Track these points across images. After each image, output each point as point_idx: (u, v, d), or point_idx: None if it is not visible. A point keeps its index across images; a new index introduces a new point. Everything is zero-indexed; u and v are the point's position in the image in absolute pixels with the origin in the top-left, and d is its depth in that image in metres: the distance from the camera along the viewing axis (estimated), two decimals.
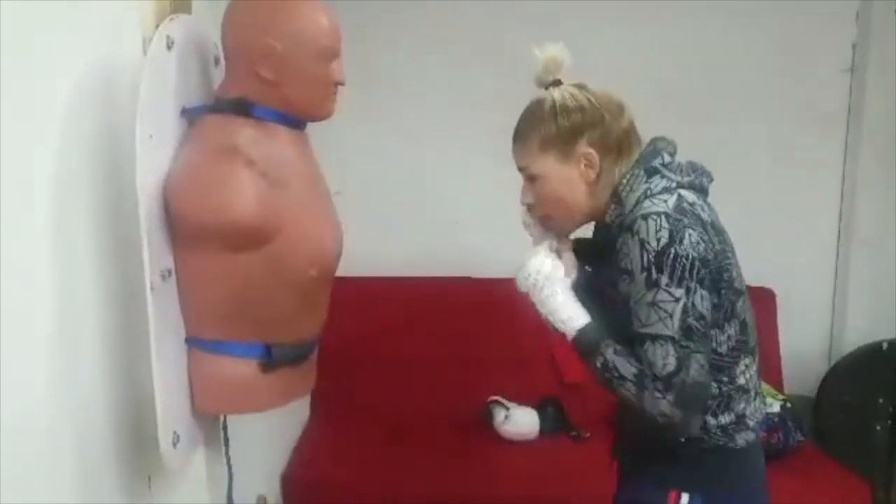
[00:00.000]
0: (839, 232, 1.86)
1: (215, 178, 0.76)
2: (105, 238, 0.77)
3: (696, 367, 0.72)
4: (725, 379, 0.77)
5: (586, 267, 0.83)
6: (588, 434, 1.63)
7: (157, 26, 0.80)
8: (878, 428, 1.67)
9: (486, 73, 1.75)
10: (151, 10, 0.86)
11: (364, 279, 1.75)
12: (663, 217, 0.73)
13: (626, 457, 0.85)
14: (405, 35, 1.80)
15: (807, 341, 1.85)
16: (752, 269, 1.89)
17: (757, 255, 1.82)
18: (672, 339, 0.71)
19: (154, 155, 0.76)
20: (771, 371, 1.73)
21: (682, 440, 0.77)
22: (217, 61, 0.89)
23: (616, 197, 0.78)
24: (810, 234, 1.86)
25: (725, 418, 0.77)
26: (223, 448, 0.93)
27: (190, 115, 0.82)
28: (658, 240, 0.72)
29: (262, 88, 0.79)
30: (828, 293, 1.87)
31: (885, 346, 1.72)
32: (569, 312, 0.77)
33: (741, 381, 0.78)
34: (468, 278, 1.81)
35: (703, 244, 0.73)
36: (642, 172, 0.77)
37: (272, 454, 1.52)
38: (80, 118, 0.73)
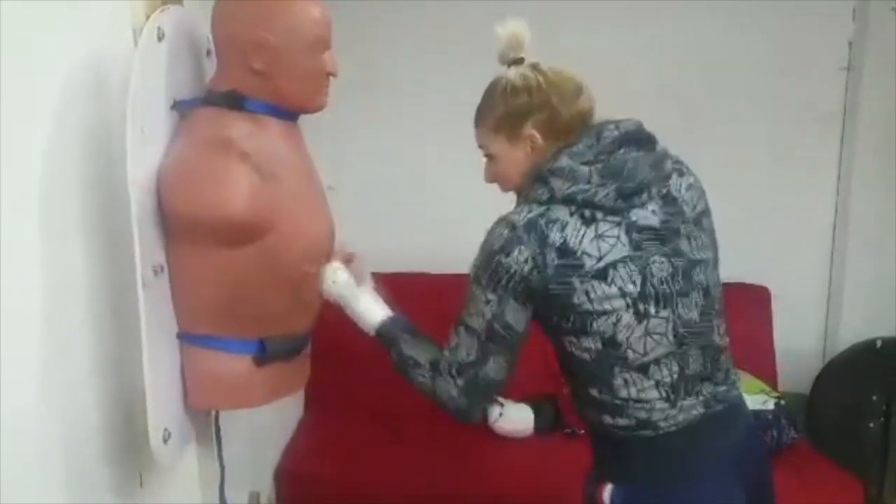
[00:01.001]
0: (834, 230, 1.86)
1: (208, 172, 0.75)
2: (96, 233, 0.76)
3: (493, 366, 0.76)
4: (604, 388, 0.77)
5: None
6: (582, 431, 1.61)
7: (147, 18, 0.79)
8: (872, 425, 1.67)
9: (485, 71, 1.72)
10: (142, 2, 0.85)
11: None
12: (508, 227, 0.75)
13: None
14: (404, 33, 1.79)
15: (801, 339, 1.86)
16: (747, 267, 1.91)
17: (752, 253, 1.85)
18: (478, 334, 0.76)
19: (145, 148, 0.75)
20: (765, 368, 1.74)
21: (595, 434, 0.80)
22: (209, 53, 0.87)
23: (523, 199, 0.80)
24: (806, 231, 1.86)
25: (622, 421, 0.77)
26: (215, 444, 0.93)
27: (181, 108, 0.81)
28: (493, 244, 0.76)
29: (253, 81, 0.78)
30: (823, 291, 1.88)
31: (879, 343, 1.72)
32: (366, 315, 0.83)
33: (623, 394, 0.76)
34: (464, 275, 1.80)
35: (529, 265, 0.73)
36: (532, 180, 0.78)
37: (265, 450, 1.52)
38: (70, 111, 0.72)
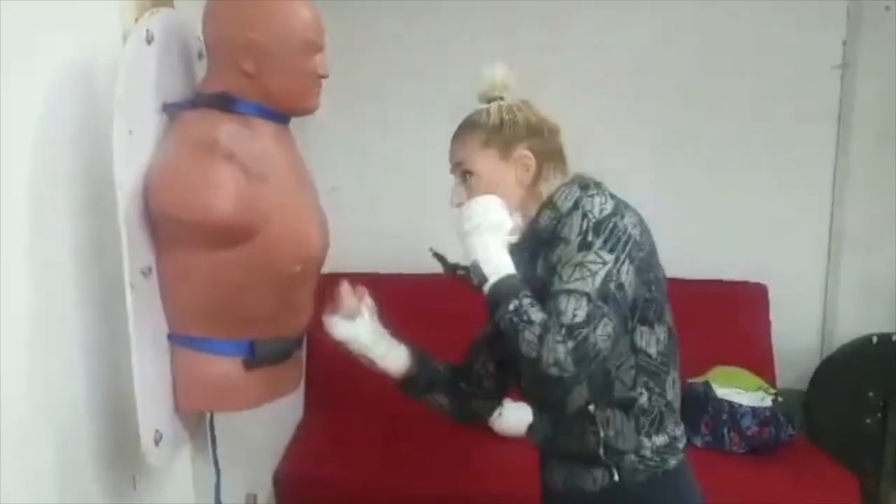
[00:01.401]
0: (830, 227, 1.87)
1: (195, 175, 0.75)
2: (84, 235, 0.75)
3: (603, 330, 0.70)
4: (657, 390, 0.76)
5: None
6: None
7: (136, 20, 0.79)
8: (869, 421, 1.68)
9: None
10: (131, 4, 0.85)
11: (359, 276, 1.72)
12: (608, 196, 0.75)
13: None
14: (404, 33, 1.79)
15: (798, 335, 1.85)
16: (744, 264, 1.91)
17: (749, 250, 1.85)
18: (588, 295, 0.70)
19: (133, 151, 0.75)
20: (763, 365, 1.74)
21: (616, 479, 0.75)
22: (201, 56, 0.87)
23: (550, 204, 0.79)
24: (802, 229, 1.86)
25: (660, 439, 0.76)
26: (210, 447, 0.93)
27: (171, 111, 0.80)
28: (601, 210, 0.73)
29: (244, 82, 0.78)
30: (819, 288, 1.88)
31: (875, 340, 1.72)
32: (498, 262, 0.75)
33: (670, 395, 0.77)
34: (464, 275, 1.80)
35: (639, 230, 0.74)
36: (576, 186, 0.79)
37: (263, 453, 1.51)
38: (58, 113, 0.72)
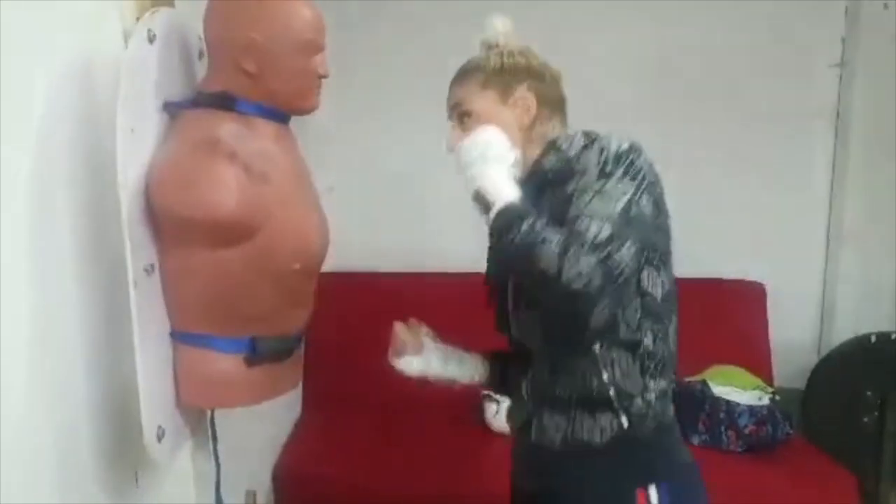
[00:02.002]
0: (828, 225, 1.87)
1: (197, 173, 0.76)
2: (88, 233, 0.76)
3: (627, 251, 0.66)
4: (661, 334, 0.73)
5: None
6: None
7: (138, 20, 0.80)
8: (866, 420, 1.68)
9: None
10: (133, 4, 0.85)
11: (358, 274, 1.75)
12: (621, 137, 0.72)
13: (551, 480, 0.76)
14: (401, 31, 1.79)
15: (796, 334, 1.86)
16: (741, 263, 1.92)
17: (747, 249, 1.86)
18: (610, 217, 0.67)
19: (136, 149, 0.75)
20: (760, 364, 1.75)
21: (626, 427, 0.71)
22: (201, 55, 0.88)
23: (554, 148, 0.75)
24: (800, 227, 1.87)
25: (662, 384, 0.74)
26: (211, 443, 0.93)
27: (172, 110, 0.81)
28: (619, 146, 0.71)
29: (245, 82, 0.78)
30: (817, 286, 1.89)
31: (873, 338, 1.73)
32: (506, 188, 0.71)
33: (671, 344, 0.75)
34: (462, 273, 1.81)
35: (653, 172, 0.72)
36: (580, 133, 0.75)
37: (263, 449, 1.52)
38: (60, 112, 0.73)
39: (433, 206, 1.85)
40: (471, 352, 0.88)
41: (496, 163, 0.73)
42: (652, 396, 0.74)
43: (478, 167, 0.73)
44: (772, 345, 1.79)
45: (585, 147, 0.73)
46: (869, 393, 1.69)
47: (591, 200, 0.68)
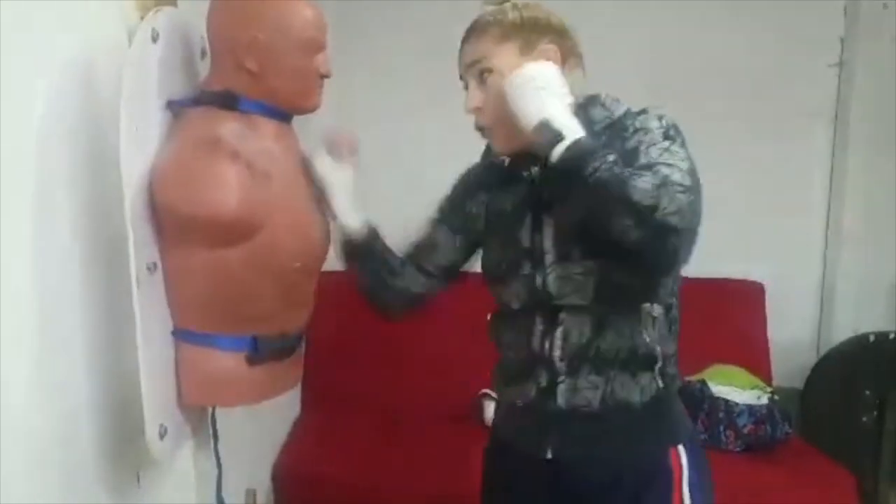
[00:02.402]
0: (827, 225, 1.88)
1: (199, 171, 0.76)
2: (90, 232, 0.76)
3: (699, 205, 0.66)
4: (677, 303, 0.75)
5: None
6: None
7: (141, 18, 0.80)
8: (865, 420, 1.69)
9: None
10: (135, 3, 0.85)
11: None
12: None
13: (586, 446, 0.73)
14: (405, 29, 1.79)
15: (794, 333, 1.87)
16: (740, 262, 1.92)
17: (745, 249, 1.86)
18: (686, 170, 0.67)
19: (139, 148, 0.75)
20: (759, 363, 1.75)
21: (661, 387, 0.71)
22: (204, 54, 0.88)
23: (600, 103, 0.74)
24: (798, 226, 1.88)
25: (673, 347, 0.75)
26: (212, 441, 0.94)
27: (175, 108, 0.81)
28: (671, 122, 0.72)
29: (247, 81, 0.78)
30: (816, 286, 1.89)
31: (872, 338, 1.74)
32: (573, 119, 0.67)
33: (675, 312, 0.76)
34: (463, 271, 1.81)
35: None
36: (615, 99, 0.75)
37: (262, 448, 1.52)
38: (63, 111, 0.73)
39: (435, 206, 1.85)
40: (369, 220, 0.84)
41: (557, 95, 0.69)
42: (673, 360, 0.75)
43: (542, 97, 0.68)
44: (770, 344, 1.79)
45: (639, 112, 0.72)
46: (868, 392, 1.69)
47: (661, 154, 0.68)
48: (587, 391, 0.73)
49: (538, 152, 0.68)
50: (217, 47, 0.81)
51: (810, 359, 1.84)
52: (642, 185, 0.64)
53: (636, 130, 0.71)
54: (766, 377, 1.74)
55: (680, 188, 0.65)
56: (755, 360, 1.75)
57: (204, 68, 0.87)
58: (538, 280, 0.74)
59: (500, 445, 0.84)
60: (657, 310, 0.73)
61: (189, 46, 0.86)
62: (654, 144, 0.69)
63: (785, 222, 1.85)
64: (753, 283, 1.83)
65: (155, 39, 0.78)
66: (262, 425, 1.45)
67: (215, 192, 0.75)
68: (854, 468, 1.54)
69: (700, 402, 1.60)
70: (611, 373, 0.73)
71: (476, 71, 0.74)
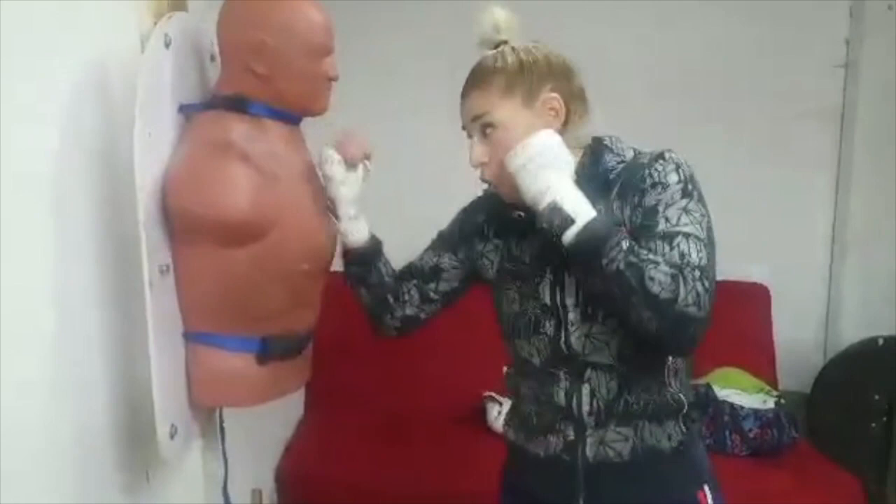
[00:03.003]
0: (834, 227, 1.87)
1: (210, 174, 0.77)
2: (104, 233, 0.78)
3: (715, 276, 0.66)
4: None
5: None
6: None
7: (154, 24, 0.81)
8: (873, 425, 1.67)
9: None
10: (148, 9, 0.87)
11: None
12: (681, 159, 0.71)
13: (619, 498, 0.73)
14: (404, 31, 1.81)
15: (802, 337, 1.85)
16: (746, 265, 1.91)
17: (752, 251, 1.85)
18: (703, 241, 0.67)
19: (152, 151, 0.77)
20: (765, 367, 1.74)
21: (685, 431, 0.73)
22: (213, 58, 0.89)
23: (608, 149, 0.73)
24: (805, 229, 1.87)
25: (692, 395, 0.77)
26: (220, 442, 0.94)
27: (187, 112, 0.83)
28: (689, 166, 0.70)
29: (256, 84, 0.80)
30: (823, 289, 1.88)
31: (880, 342, 1.72)
32: (581, 199, 0.67)
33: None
34: None
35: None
36: (615, 138, 0.75)
37: (267, 448, 1.53)
38: (78, 116, 0.74)
39: (437, 208, 1.86)
40: (368, 228, 0.81)
41: (563, 171, 0.68)
42: (693, 400, 0.76)
43: (547, 177, 0.67)
44: (776, 348, 1.78)
45: (656, 158, 0.71)
46: (876, 397, 1.67)
47: (680, 218, 0.67)
48: (617, 443, 0.73)
49: (548, 232, 0.68)
50: (227, 51, 0.83)
51: (817, 362, 1.83)
52: (660, 276, 0.64)
53: (655, 184, 0.69)
54: (772, 381, 1.72)
55: (698, 272, 0.65)
56: (761, 363, 1.74)
57: (213, 72, 0.88)
58: (562, 339, 0.74)
59: (518, 490, 0.83)
60: (679, 362, 0.74)
61: (200, 51, 0.88)
62: (673, 204, 0.68)
63: (791, 224, 1.85)
64: (759, 285, 1.81)
65: (168, 45, 0.79)
66: (267, 426, 1.46)
67: (226, 194, 0.76)
68: (862, 474, 1.53)
69: (705, 405, 1.59)
70: (639, 423, 0.73)
71: (479, 126, 0.73)
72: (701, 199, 0.70)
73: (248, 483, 1.29)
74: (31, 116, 0.67)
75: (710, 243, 0.68)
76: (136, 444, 0.82)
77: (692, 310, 0.64)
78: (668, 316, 0.64)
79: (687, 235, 0.67)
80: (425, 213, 1.93)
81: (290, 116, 0.84)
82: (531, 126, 0.71)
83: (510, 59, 0.72)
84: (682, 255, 0.66)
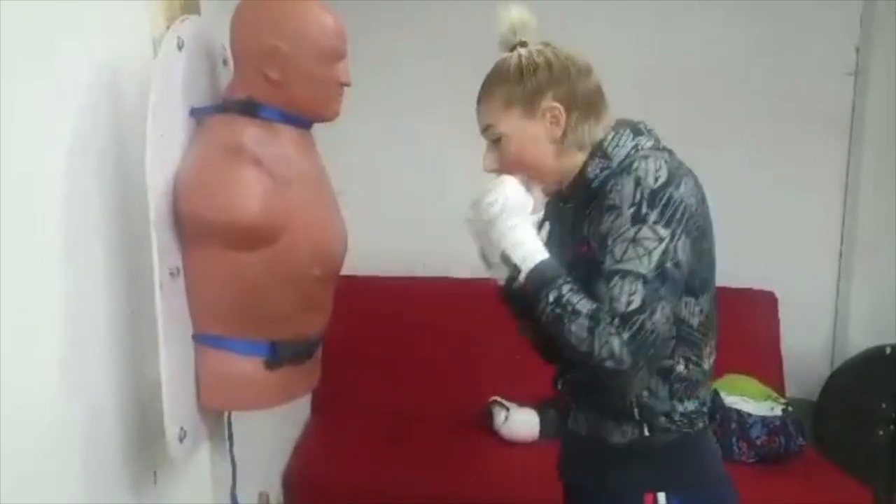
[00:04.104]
0: (842, 235, 1.86)
1: (222, 178, 0.77)
2: (115, 236, 0.78)
3: (661, 314, 0.66)
4: (694, 358, 0.74)
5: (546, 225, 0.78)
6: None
7: (167, 28, 0.82)
8: (881, 433, 1.66)
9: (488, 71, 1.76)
10: (161, 12, 0.88)
11: (367, 278, 1.76)
12: (663, 160, 0.70)
13: (578, 470, 0.80)
14: (409, 34, 1.81)
15: (809, 344, 1.84)
16: (754, 272, 1.90)
17: (759, 258, 1.84)
18: (644, 277, 0.66)
19: (164, 154, 0.77)
20: (772, 374, 1.73)
21: (647, 434, 0.73)
22: (226, 62, 0.90)
23: (600, 152, 0.74)
24: (813, 236, 1.86)
25: (690, 405, 0.75)
26: (227, 445, 0.94)
27: (199, 115, 0.83)
28: (656, 178, 0.68)
29: (268, 89, 0.80)
30: (830, 296, 1.87)
31: (888, 350, 1.71)
32: (530, 247, 0.71)
33: (706, 365, 0.76)
34: (471, 278, 1.82)
35: (694, 198, 0.70)
36: (628, 130, 0.75)
37: (274, 451, 1.53)
38: (90, 118, 0.74)
39: (440, 211, 1.86)
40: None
41: (515, 215, 0.72)
42: (678, 415, 0.75)
43: (497, 225, 0.72)
44: (783, 355, 1.77)
45: (624, 171, 0.70)
46: (883, 405, 1.67)
47: (624, 252, 0.67)
48: (580, 425, 0.80)
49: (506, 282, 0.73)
50: (239, 56, 0.83)
51: (824, 370, 1.82)
52: (577, 330, 0.67)
53: (611, 207, 0.69)
54: (780, 388, 1.72)
55: (619, 322, 0.66)
56: (768, 370, 1.73)
57: (224, 76, 0.89)
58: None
59: None
60: (646, 376, 0.73)
61: (212, 55, 0.88)
62: (620, 237, 0.68)
63: (799, 231, 1.83)
64: (766, 292, 1.81)
65: (180, 48, 0.80)
66: (274, 429, 1.46)
67: (237, 197, 0.76)
68: (869, 482, 1.52)
69: (711, 411, 1.57)
70: (600, 416, 0.77)
71: (489, 136, 0.78)
72: (660, 221, 0.68)
73: (255, 486, 1.29)
74: (43, 118, 0.67)
75: (657, 276, 0.67)
76: (144, 445, 0.82)
77: (609, 363, 0.66)
78: (589, 364, 0.68)
79: (624, 275, 0.67)
80: (425, 213, 1.94)
81: (302, 121, 0.84)
82: (534, 134, 0.75)
83: (513, 71, 0.75)
84: (611, 300, 0.67)
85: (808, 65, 1.79)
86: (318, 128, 0.87)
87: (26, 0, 0.63)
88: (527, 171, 0.76)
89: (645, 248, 0.67)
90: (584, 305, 0.68)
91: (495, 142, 0.77)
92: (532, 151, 0.75)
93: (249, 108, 0.80)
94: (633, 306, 0.66)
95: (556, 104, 0.74)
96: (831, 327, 1.87)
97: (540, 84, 0.74)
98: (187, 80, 0.81)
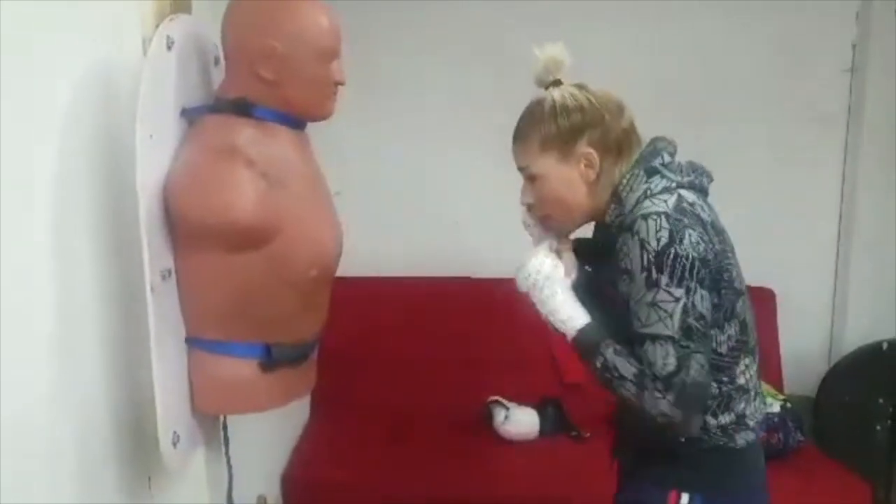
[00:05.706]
0: (839, 231, 1.86)
1: (215, 178, 0.76)
2: (105, 238, 0.77)
3: (696, 368, 0.72)
4: (725, 379, 0.78)
5: (586, 267, 0.84)
6: (588, 434, 1.63)
7: (157, 26, 0.80)
8: (879, 428, 1.66)
9: (487, 72, 1.75)
10: (151, 11, 0.86)
11: (364, 279, 1.76)
12: (663, 217, 0.73)
13: (627, 457, 0.86)
14: (406, 35, 1.80)
15: (807, 341, 1.85)
16: (751, 269, 1.89)
17: (757, 255, 1.82)
18: (672, 339, 0.71)
19: (154, 155, 0.76)
20: (771, 371, 1.73)
21: (683, 440, 0.77)
22: (217, 61, 0.89)
23: (616, 197, 0.78)
24: (810, 233, 1.86)
25: (725, 418, 0.78)
26: (223, 448, 0.93)
27: (190, 116, 0.82)
28: (658, 240, 0.72)
29: (262, 88, 0.79)
30: (828, 293, 1.87)
31: (885, 346, 1.71)
32: (569, 312, 0.78)
33: (741, 381, 0.79)
34: (468, 278, 1.81)
35: (702, 244, 0.74)
36: (642, 172, 0.78)
37: (272, 454, 1.52)
38: (80, 118, 0.73)
39: (441, 212, 1.86)
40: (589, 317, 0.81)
41: (549, 287, 0.78)
42: (713, 428, 0.78)
43: (535, 295, 0.79)
44: (782, 351, 1.77)
45: (628, 231, 0.74)
46: (881, 401, 1.67)
47: (648, 317, 0.73)
48: (628, 441, 0.86)
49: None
50: (232, 55, 0.82)
51: (822, 366, 1.82)
52: (627, 391, 0.74)
53: (623, 271, 0.74)
54: (778, 385, 1.72)
55: (662, 385, 0.72)
56: (766, 367, 1.70)
57: (216, 75, 0.87)
58: None
59: None
60: (731, 393, 0.79)
61: (203, 54, 0.87)
62: (640, 301, 0.73)
63: (796, 228, 1.83)
64: (764, 289, 1.80)
65: (170, 47, 0.78)
66: (273, 431, 1.45)
67: (231, 198, 0.75)
68: (868, 477, 1.52)
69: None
70: (638, 430, 0.81)
71: (525, 174, 0.82)
72: (672, 282, 0.71)
73: (254, 489, 1.28)
74: (33, 118, 0.66)
75: (683, 334, 0.72)
76: (137, 450, 0.81)
77: (662, 419, 0.73)
78: (647, 415, 0.73)
79: (654, 339, 0.72)
80: (423, 213, 1.93)
81: (296, 121, 0.83)
82: (568, 177, 0.79)
83: (547, 115, 0.79)
84: (650, 365, 0.73)
85: (805, 62, 1.79)
86: (314, 129, 0.87)
87: None
88: (559, 210, 0.81)
89: (665, 311, 0.72)
90: (627, 370, 0.74)
91: (531, 182, 0.81)
92: (566, 192, 0.79)
93: (243, 108, 0.79)
94: (669, 368, 0.71)
95: (591, 150, 0.78)
96: (829, 324, 1.87)
97: (574, 128, 0.78)
98: (178, 79, 0.80)
